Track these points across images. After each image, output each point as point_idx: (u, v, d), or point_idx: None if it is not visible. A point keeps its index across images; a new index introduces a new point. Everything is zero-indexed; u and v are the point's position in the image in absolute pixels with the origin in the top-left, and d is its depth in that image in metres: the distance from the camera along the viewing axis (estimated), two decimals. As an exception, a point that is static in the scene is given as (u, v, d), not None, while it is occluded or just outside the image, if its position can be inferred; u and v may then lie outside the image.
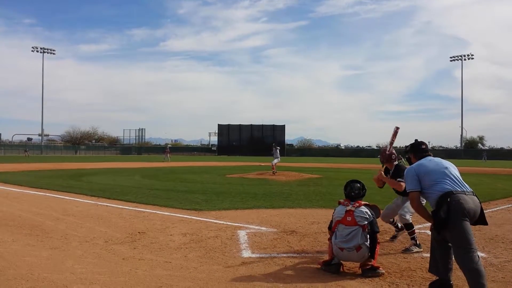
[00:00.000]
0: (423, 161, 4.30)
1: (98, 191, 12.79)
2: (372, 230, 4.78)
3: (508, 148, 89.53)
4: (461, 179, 4.09)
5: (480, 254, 5.63)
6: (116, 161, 43.22)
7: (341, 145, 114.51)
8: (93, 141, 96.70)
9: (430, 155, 4.43)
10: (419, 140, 4.66)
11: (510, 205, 10.69)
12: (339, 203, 5.10)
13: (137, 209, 9.25)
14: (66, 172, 22.78)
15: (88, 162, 39.39)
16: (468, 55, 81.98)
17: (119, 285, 4.23)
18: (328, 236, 5.19)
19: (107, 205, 9.81)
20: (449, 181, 4.00)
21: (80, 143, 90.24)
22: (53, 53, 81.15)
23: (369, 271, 4.66)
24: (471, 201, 3.86)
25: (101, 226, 7.31)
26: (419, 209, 4.19)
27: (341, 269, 4.81)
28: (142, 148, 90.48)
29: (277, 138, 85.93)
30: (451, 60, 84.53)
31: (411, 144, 4.70)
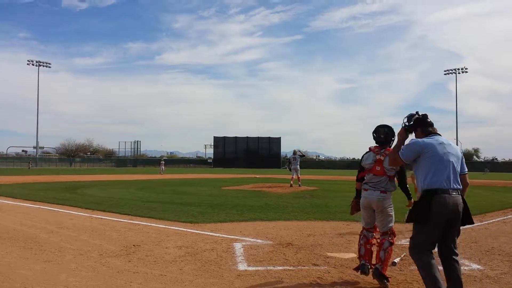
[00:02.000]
0: (435, 143, 4.07)
1: (92, 203, 12.72)
2: (400, 179, 4.95)
3: (503, 160, 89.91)
4: (458, 171, 4.07)
5: (476, 266, 5.67)
6: (111, 173, 43.05)
7: (336, 157, 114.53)
8: (88, 153, 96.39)
9: (438, 133, 4.26)
10: (424, 114, 4.33)
11: (506, 217, 10.71)
12: (369, 149, 5.08)
13: (132, 221, 9.20)
14: (61, 184, 22.65)
15: (83, 174, 39.24)
16: (462, 69, 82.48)
17: (113, 298, 4.19)
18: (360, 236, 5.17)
19: (101, 218, 9.75)
20: (445, 175, 3.95)
21: (75, 155, 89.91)
22: (49, 66, 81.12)
23: (379, 276, 4.70)
24: (453, 203, 3.90)
25: (96, 239, 7.26)
26: (393, 164, 4.36)
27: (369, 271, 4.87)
28: (138, 161, 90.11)
29: (273, 151, 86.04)
30: (445, 74, 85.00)
31: (415, 119, 4.33)
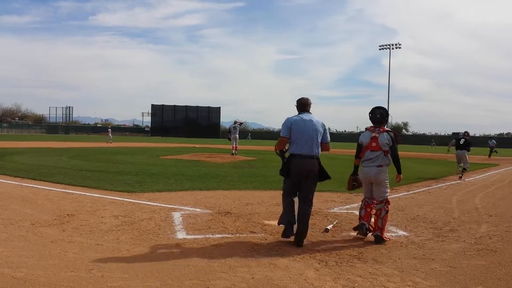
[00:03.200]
0: (300, 120, 5.34)
1: (22, 171, 12.13)
2: (393, 153, 5.62)
3: (430, 134, 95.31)
4: (316, 141, 5.28)
5: (402, 232, 6.10)
6: (42, 140, 41.03)
7: (275, 128, 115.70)
8: (16, 118, 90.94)
9: (309, 112, 5.49)
10: (304, 98, 5.55)
11: (430, 187, 11.51)
12: (366, 129, 5.82)
13: (65, 190, 8.91)
14: (-14, 151, 21.29)
15: (11, 140, 37.04)
16: (396, 44, 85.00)
17: (48, 268, 4.09)
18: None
19: (33, 187, 9.35)
20: (303, 144, 5.23)
21: (2, 120, 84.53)
22: (-30, 22, 74.78)
23: (379, 239, 5.43)
24: (307, 164, 5.22)
25: (27, 208, 6.98)
26: (280, 145, 5.44)
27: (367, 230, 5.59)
28: (70, 127, 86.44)
29: (212, 120, 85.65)
30: (380, 49, 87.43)
31: (298, 100, 5.56)
